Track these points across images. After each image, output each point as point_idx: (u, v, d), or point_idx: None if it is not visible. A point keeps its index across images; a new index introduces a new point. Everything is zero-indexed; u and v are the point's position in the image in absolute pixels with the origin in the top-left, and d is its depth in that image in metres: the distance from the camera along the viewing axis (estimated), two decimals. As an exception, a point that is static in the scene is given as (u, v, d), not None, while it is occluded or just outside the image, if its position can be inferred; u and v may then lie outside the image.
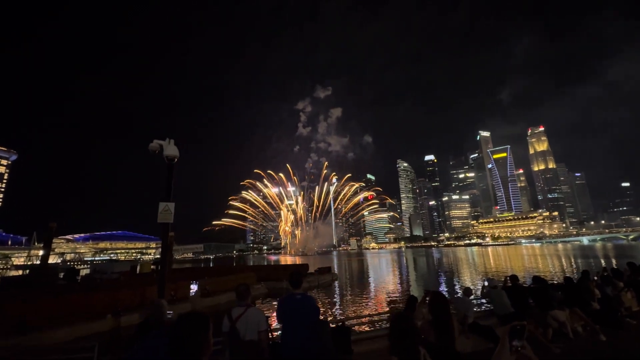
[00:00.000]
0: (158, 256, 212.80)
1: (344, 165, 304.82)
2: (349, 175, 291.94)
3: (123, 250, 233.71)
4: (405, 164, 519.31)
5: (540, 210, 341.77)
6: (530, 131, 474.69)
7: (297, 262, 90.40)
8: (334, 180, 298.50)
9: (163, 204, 7.38)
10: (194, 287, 24.89)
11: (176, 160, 7.85)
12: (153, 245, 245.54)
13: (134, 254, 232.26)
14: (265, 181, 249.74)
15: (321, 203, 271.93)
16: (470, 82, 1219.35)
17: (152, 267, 43.14)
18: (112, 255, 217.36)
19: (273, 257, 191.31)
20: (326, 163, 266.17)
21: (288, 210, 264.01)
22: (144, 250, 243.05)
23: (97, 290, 18.64)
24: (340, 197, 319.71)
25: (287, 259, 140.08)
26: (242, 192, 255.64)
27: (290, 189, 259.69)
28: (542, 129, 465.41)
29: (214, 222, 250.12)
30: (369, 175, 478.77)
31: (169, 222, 7.48)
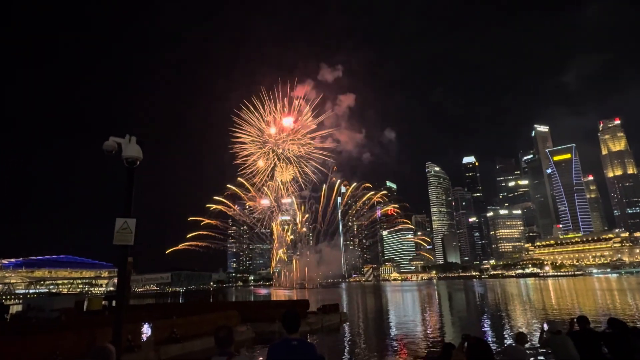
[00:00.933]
0: (111, 288, 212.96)
1: (358, 169, 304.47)
2: (365, 184, 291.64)
3: (66, 281, 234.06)
4: (437, 168, 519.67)
5: (617, 230, 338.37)
6: (602, 125, 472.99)
7: (294, 298, 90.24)
8: (344, 189, 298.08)
9: (121, 221, 7.43)
10: (146, 331, 24.74)
11: (139, 163, 7.95)
12: (105, 274, 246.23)
13: (81, 286, 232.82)
14: (252, 191, 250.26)
15: (327, 220, 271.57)
16: (525, 59, 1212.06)
17: (103, 303, 43.36)
18: (51, 287, 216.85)
19: (262, 291, 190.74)
20: (334, 167, 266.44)
21: (283, 230, 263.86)
22: (94, 281, 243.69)
23: (32, 333, 18.63)
24: (351, 212, 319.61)
25: (280, 293, 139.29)
26: (220, 206, 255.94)
27: (286, 200, 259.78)
28: (617, 122, 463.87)
29: (179, 246, 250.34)
30: (389, 183, 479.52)
31: (129, 245, 7.50)
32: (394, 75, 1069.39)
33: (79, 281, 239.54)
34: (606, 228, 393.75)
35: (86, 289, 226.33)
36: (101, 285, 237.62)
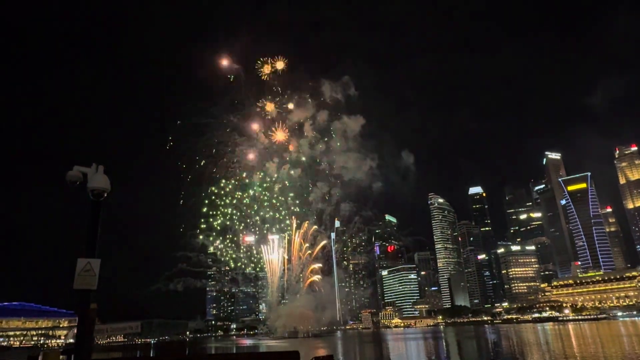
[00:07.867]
0: (72, 340, 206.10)
1: (363, 200, 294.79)
2: (355, 217, 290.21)
3: (18, 332, 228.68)
4: (441, 200, 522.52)
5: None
6: (617, 152, 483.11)
7: (282, 350, 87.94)
8: (338, 223, 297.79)
9: (83, 262, 7.21)
10: None
11: (106, 195, 7.82)
12: (65, 323, 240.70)
13: (35, 338, 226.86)
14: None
15: (314, 254, 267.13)
16: (543, 78, 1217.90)
17: (61, 357, 41.60)
18: (0, 339, 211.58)
19: (246, 341, 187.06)
20: (337, 198, 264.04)
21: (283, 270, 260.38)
22: (51, 332, 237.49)
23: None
24: (347, 249, 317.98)
25: (267, 344, 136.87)
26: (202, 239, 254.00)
27: (273, 236, 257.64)
28: (634, 148, 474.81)
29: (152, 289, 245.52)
30: (388, 217, 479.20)
31: (92, 289, 7.31)
32: (403, 95, 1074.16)
33: (34, 332, 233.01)
34: (629, 265, 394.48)
35: (42, 341, 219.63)
36: (60, 337, 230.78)
